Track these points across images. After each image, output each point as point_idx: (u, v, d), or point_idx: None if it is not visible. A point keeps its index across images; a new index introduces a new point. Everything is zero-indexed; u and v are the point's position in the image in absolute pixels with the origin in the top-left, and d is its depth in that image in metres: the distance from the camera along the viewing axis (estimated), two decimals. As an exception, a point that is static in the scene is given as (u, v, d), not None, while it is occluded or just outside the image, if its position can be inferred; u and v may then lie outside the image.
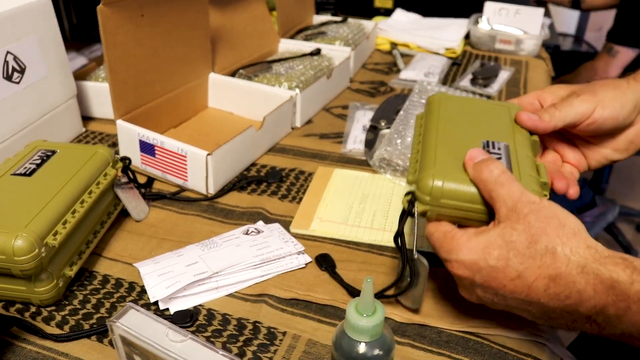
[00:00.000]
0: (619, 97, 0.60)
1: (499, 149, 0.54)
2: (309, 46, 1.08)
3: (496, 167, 0.48)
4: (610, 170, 2.20)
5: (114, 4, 0.72)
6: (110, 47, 0.73)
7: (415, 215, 0.52)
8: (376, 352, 0.42)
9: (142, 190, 0.74)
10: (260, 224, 0.67)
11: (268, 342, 0.53)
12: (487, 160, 0.50)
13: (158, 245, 0.66)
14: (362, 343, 0.41)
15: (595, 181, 2.22)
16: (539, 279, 0.44)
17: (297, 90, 0.90)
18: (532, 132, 0.59)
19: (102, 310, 0.57)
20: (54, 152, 0.65)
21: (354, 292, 0.58)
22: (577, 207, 2.06)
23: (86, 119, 0.93)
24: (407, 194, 0.53)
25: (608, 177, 2.21)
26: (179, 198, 0.74)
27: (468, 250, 0.47)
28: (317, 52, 1.03)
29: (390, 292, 0.56)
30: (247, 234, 0.64)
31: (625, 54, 1.66)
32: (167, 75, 0.85)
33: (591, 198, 2.06)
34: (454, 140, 0.55)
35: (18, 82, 0.75)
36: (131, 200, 0.70)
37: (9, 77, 0.74)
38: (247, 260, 0.59)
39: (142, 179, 0.78)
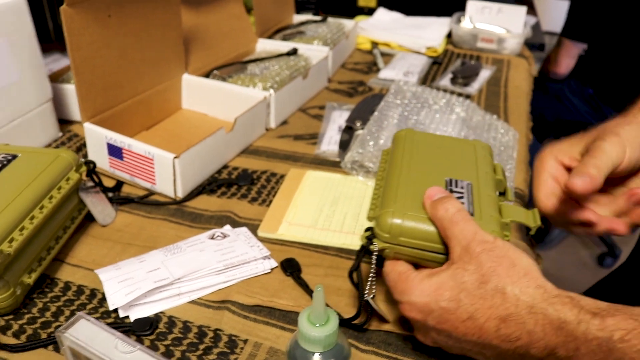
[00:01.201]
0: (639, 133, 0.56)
1: (462, 187, 0.54)
2: (286, 46, 1.06)
3: (452, 205, 0.48)
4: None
5: (79, 4, 0.70)
6: (75, 49, 0.71)
7: (373, 253, 0.52)
8: None
9: (109, 194, 0.73)
10: (227, 228, 0.66)
11: (228, 351, 0.51)
12: (444, 198, 0.49)
13: (123, 250, 0.64)
14: (315, 354, 0.40)
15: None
16: (489, 320, 0.43)
17: (272, 91, 0.88)
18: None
19: (62, 318, 0.55)
20: (15, 157, 0.63)
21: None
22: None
23: (66, 122, 0.91)
24: (367, 230, 0.52)
25: None
26: (147, 202, 0.73)
27: (420, 292, 0.46)
28: (293, 51, 1.02)
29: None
30: (212, 238, 0.63)
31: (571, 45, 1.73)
32: (137, 77, 0.83)
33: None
34: (417, 177, 0.55)
35: None
36: (97, 205, 0.69)
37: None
38: (210, 265, 0.58)
39: (111, 183, 0.76)
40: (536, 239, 2.37)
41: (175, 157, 0.70)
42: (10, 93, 0.77)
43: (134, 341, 0.41)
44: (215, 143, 0.76)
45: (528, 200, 0.79)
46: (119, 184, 0.76)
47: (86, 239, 0.66)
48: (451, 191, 0.53)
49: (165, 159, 0.70)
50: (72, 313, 0.56)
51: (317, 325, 0.39)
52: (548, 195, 0.57)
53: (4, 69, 0.76)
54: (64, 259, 0.63)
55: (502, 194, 0.59)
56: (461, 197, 0.52)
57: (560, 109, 1.90)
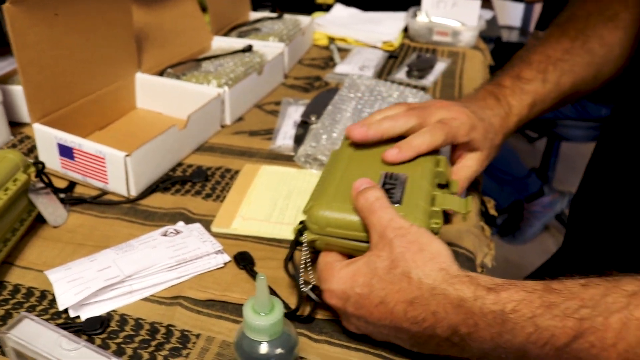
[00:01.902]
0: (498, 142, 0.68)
1: (396, 179, 0.55)
2: (242, 43, 1.06)
3: (372, 194, 0.50)
4: (557, 159, 2.26)
5: (23, 2, 0.69)
6: (20, 49, 0.70)
7: (304, 244, 0.54)
8: (278, 351, 0.41)
9: (61, 195, 0.72)
10: (180, 224, 0.66)
11: (180, 346, 0.51)
12: (367, 188, 0.51)
13: (74, 251, 0.64)
14: (262, 343, 0.40)
15: (542, 170, 2.26)
16: (398, 304, 0.45)
17: (226, 88, 0.88)
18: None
19: (10, 321, 0.54)
20: (-41, 159, 0.62)
21: (270, 291, 0.57)
22: (524, 196, 2.10)
23: (17, 124, 0.89)
24: (300, 222, 0.54)
25: (554, 166, 2.26)
26: (99, 202, 0.72)
27: (338, 279, 0.48)
28: (248, 48, 1.02)
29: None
30: (165, 235, 0.63)
31: None
32: (88, 77, 0.82)
33: (539, 187, 2.11)
34: (356, 172, 0.57)
35: None
36: (47, 206, 0.68)
37: None
38: (162, 262, 0.58)
39: (63, 184, 0.75)
40: (503, 232, 2.39)
41: (127, 156, 0.69)
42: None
43: (79, 338, 0.40)
44: (168, 140, 0.76)
45: (482, 189, 0.80)
46: (72, 184, 0.75)
47: (37, 240, 0.65)
48: (385, 184, 0.54)
49: (116, 158, 0.69)
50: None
51: (262, 314, 0.39)
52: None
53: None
54: (14, 261, 0.62)
55: (446, 185, 0.61)
56: (392, 188, 0.54)
57: None
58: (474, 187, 0.75)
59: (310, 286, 0.54)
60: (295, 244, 0.55)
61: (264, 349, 0.40)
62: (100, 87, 0.85)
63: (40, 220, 0.68)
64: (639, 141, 0.63)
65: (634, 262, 0.61)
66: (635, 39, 0.69)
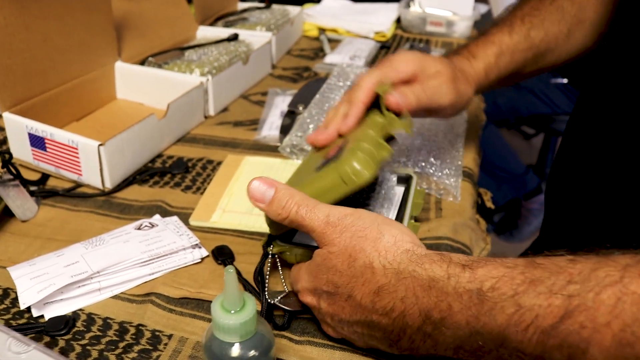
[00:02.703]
0: (469, 92, 0.65)
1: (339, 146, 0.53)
2: (228, 32, 1.02)
3: (284, 205, 0.46)
4: (553, 155, 2.22)
5: (-10, -17, 0.65)
6: (-13, 32, 0.66)
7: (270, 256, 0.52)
8: (252, 353, 0.37)
9: (32, 187, 0.68)
10: (156, 217, 0.62)
11: (151, 347, 0.47)
12: (272, 201, 0.46)
13: (43, 246, 0.59)
14: (234, 344, 0.36)
15: (539, 167, 2.23)
16: (365, 296, 0.42)
17: (209, 77, 0.84)
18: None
19: (-34, 321, 0.51)
20: None
21: (249, 288, 0.53)
22: (522, 194, 2.07)
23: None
24: (269, 235, 0.53)
25: (551, 162, 2.22)
26: (72, 194, 0.68)
27: (306, 278, 0.46)
28: (234, 37, 0.98)
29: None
30: (139, 229, 0.59)
31: None
32: (63, 64, 0.78)
33: (537, 184, 2.07)
34: (311, 169, 0.54)
35: None
36: (15, 199, 0.64)
37: None
38: (133, 257, 0.54)
39: (35, 176, 0.71)
40: (500, 230, 2.35)
41: (101, 145, 0.65)
42: None
43: (30, 340, 0.37)
44: (146, 130, 0.72)
45: (478, 181, 0.77)
46: (44, 177, 0.71)
47: (3, 235, 0.61)
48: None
49: (90, 147, 0.65)
50: (-18, 315, 0.51)
51: (232, 312, 0.35)
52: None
53: None
54: (-23, 258, 0.58)
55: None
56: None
57: (536, 103, 1.91)
58: (469, 178, 0.71)
59: (282, 296, 0.50)
60: (264, 256, 0.53)
61: (235, 351, 0.36)
62: (77, 76, 0.81)
63: (8, 214, 0.64)
64: (609, 119, 0.59)
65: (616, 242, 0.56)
66: (611, 11, 0.67)
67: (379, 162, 0.49)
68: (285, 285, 0.52)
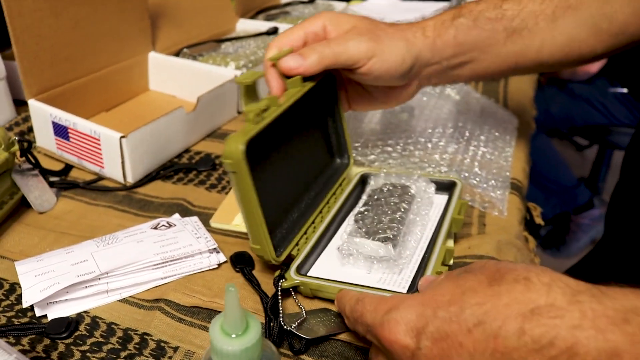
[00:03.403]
0: (402, 51, 0.54)
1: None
2: (268, 26, 0.98)
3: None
4: (608, 168, 2.10)
5: (20, -36, 0.63)
6: (14, 16, 0.64)
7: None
8: None
9: (52, 178, 0.65)
10: (175, 217, 0.58)
11: None
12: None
13: (56, 240, 0.57)
14: (236, 371, 0.32)
15: (592, 180, 2.11)
16: (508, 320, 0.31)
17: (244, 70, 0.80)
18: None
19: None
20: (-64, 133, 0.56)
21: (265, 301, 0.48)
22: (572, 208, 1.96)
23: (24, 103, 0.83)
24: (280, 268, 0.50)
25: (605, 176, 2.11)
26: (93, 187, 0.65)
27: (410, 303, 0.35)
28: (273, 31, 0.94)
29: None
30: (156, 228, 0.55)
31: None
32: (93, 52, 0.75)
33: (588, 199, 1.96)
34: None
35: None
36: (33, 189, 0.61)
37: None
38: (145, 258, 0.50)
39: (58, 166, 0.69)
40: (546, 244, 2.25)
41: (123, 137, 0.62)
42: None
43: (12, 348, 0.33)
44: (172, 123, 0.68)
45: (526, 193, 0.70)
46: (67, 167, 0.69)
47: (18, 226, 0.59)
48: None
49: (111, 139, 0.62)
50: (-16, 311, 0.48)
51: (233, 335, 0.31)
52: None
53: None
54: (-11, 249, 0.56)
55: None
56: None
57: (592, 113, 1.81)
58: (517, 190, 0.65)
59: (298, 321, 0.45)
60: (276, 293, 0.48)
61: (237, 379, 0.32)
62: (108, 65, 0.78)
63: (25, 204, 0.61)
64: None
65: None
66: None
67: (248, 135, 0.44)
68: (303, 308, 0.47)
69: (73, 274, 0.48)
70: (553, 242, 1.99)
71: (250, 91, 0.51)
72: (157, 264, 0.50)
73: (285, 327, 0.44)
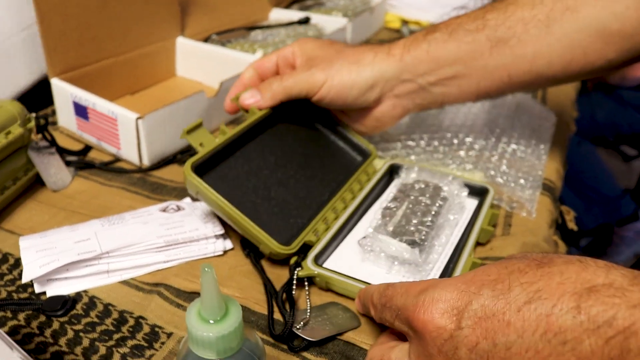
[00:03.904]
0: (352, 75, 0.54)
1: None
2: (301, 16, 0.96)
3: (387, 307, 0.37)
4: (659, 181, 2.00)
5: (47, -59, 0.62)
6: (40, -8, 0.63)
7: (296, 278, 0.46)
8: None
9: (70, 157, 0.65)
10: (185, 200, 0.57)
11: (146, 344, 0.42)
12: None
13: (66, 218, 0.56)
14: (212, 362, 0.29)
15: (638, 192, 2.02)
16: (562, 297, 0.28)
17: (271, 58, 0.78)
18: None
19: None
20: (-46, 105, 0.56)
21: (269, 289, 0.46)
22: (616, 220, 1.87)
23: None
24: (296, 254, 0.48)
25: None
26: (109, 168, 0.64)
27: (448, 282, 0.33)
28: (305, 20, 0.92)
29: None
30: (164, 211, 0.53)
31: None
32: (120, 34, 0.75)
33: (633, 210, 1.87)
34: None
35: None
36: (48, 167, 0.60)
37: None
38: (148, 240, 0.48)
39: (78, 146, 0.68)
40: (586, 256, 2.18)
41: (139, 118, 0.61)
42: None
43: (13, 342, 0.31)
44: (192, 107, 0.67)
45: (560, 195, 0.66)
46: (86, 148, 0.68)
47: (30, 203, 0.58)
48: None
49: (128, 120, 0.61)
50: (-12, 284, 0.48)
51: (211, 321, 0.28)
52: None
53: None
54: (0, 223, 0.55)
55: None
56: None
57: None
58: (548, 191, 0.61)
59: (304, 321, 0.43)
60: (291, 281, 0.46)
61: (214, 369, 0.29)
62: (135, 48, 0.78)
63: (41, 182, 0.61)
64: None
65: None
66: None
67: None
68: (309, 308, 0.44)
69: (74, 251, 0.47)
70: (593, 254, 1.91)
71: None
72: (160, 247, 0.49)
73: (293, 327, 0.42)
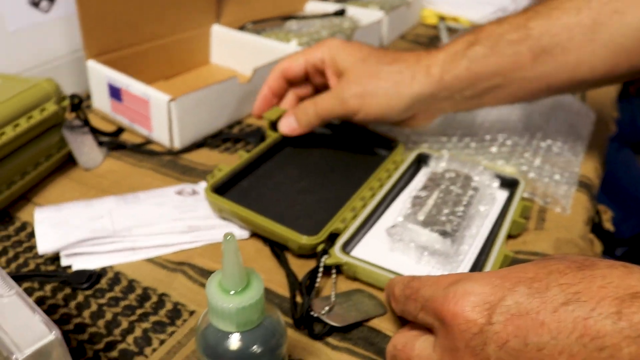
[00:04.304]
0: (390, 101, 0.53)
1: None
2: (337, 8, 0.95)
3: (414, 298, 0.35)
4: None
5: None
6: (79, -26, 0.64)
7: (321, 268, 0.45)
8: (254, 348, 0.29)
9: (103, 138, 0.65)
10: (201, 184, 0.57)
11: (167, 321, 0.42)
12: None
13: (95, 197, 0.56)
14: (231, 335, 0.29)
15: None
16: (602, 302, 0.27)
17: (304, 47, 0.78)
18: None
19: (3, 259, 0.48)
20: (-7, 81, 0.57)
21: (291, 277, 0.45)
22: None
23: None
24: (322, 242, 0.47)
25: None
26: (141, 150, 0.64)
27: (481, 275, 0.31)
28: (341, 12, 0.91)
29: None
30: (180, 194, 0.53)
31: None
32: (156, 19, 0.75)
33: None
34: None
35: (46, 11, 0.70)
36: (82, 146, 0.61)
37: (35, 4, 0.68)
38: (162, 221, 0.49)
39: (112, 128, 0.69)
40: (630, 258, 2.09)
41: (171, 100, 0.61)
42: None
43: (15, 283, 0.32)
44: (225, 92, 0.67)
45: (597, 194, 0.64)
46: (119, 130, 0.69)
47: (63, 180, 0.59)
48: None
49: (160, 102, 0.61)
50: (17, 255, 0.48)
51: (232, 292, 0.28)
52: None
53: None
54: (32, 197, 0.56)
55: None
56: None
57: None
58: (585, 188, 0.59)
59: (329, 307, 0.42)
60: (317, 268, 0.45)
61: (232, 343, 0.29)
62: (171, 34, 0.78)
63: (74, 160, 0.61)
64: None
65: None
66: None
67: None
68: (333, 294, 0.43)
69: (87, 228, 0.47)
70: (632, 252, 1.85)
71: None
72: (183, 232, 0.49)
73: (313, 314, 0.41)
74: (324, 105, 0.55)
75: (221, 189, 0.52)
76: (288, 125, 0.57)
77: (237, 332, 0.28)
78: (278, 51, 0.77)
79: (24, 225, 0.52)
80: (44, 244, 0.46)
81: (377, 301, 0.43)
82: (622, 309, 0.26)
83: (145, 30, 0.74)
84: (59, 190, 0.57)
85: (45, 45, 0.72)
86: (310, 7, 1.00)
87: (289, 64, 0.59)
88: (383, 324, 0.41)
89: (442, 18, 1.13)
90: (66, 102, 0.59)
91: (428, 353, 0.33)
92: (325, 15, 0.91)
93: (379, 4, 1.01)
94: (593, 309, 0.27)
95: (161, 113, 0.62)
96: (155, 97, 0.62)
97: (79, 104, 0.60)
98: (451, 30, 1.09)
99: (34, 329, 0.29)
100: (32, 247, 0.49)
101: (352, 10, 0.96)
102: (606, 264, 0.29)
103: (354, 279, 0.46)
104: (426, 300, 0.33)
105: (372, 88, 0.53)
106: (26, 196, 0.56)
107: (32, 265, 0.47)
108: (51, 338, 0.29)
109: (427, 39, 1.04)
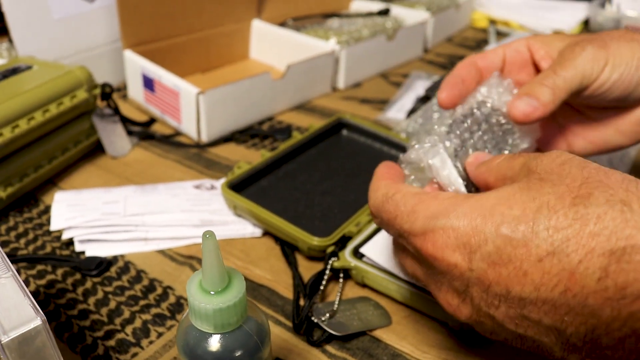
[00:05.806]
0: (636, 54, 0.39)
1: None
2: (381, 7, 0.94)
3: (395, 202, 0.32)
4: None
5: None
6: (120, -36, 0.65)
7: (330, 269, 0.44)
8: (237, 353, 0.28)
9: (134, 127, 0.66)
10: (221, 180, 0.56)
11: (168, 314, 0.41)
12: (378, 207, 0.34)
13: (119, 185, 0.57)
14: (210, 336, 0.28)
15: None
16: (590, 256, 0.24)
17: (343, 46, 0.77)
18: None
19: (22, 240, 0.49)
20: (29, 67, 0.58)
21: (298, 280, 0.44)
22: None
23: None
24: (334, 244, 0.45)
25: None
26: (168, 141, 0.65)
27: (465, 211, 0.28)
28: (385, 11, 0.89)
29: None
30: (197, 188, 0.53)
31: None
32: (195, 12, 0.76)
33: None
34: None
35: (91, 1, 0.72)
36: (110, 135, 0.62)
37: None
38: (172, 211, 0.49)
39: (144, 118, 0.70)
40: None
41: (200, 93, 0.61)
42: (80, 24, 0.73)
43: (12, 266, 0.32)
44: (256, 87, 0.66)
45: None
46: (151, 120, 0.69)
47: (90, 167, 0.60)
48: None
49: (189, 94, 0.61)
50: (36, 237, 0.49)
51: (212, 292, 0.27)
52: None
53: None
54: (58, 182, 0.57)
55: None
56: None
57: None
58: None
59: (330, 314, 0.40)
60: (323, 271, 0.43)
61: (211, 344, 0.28)
62: (210, 27, 0.78)
63: (102, 148, 0.62)
64: None
65: None
66: None
67: None
68: (338, 300, 0.42)
69: (99, 211, 0.48)
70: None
71: None
72: (196, 225, 0.48)
73: (314, 319, 0.40)
74: (566, 68, 0.40)
75: (238, 186, 0.52)
76: (527, 106, 0.39)
77: (216, 333, 0.28)
78: (317, 48, 0.76)
79: (47, 209, 0.53)
80: (57, 221, 0.47)
81: (382, 311, 0.41)
82: (610, 264, 0.23)
83: (184, 23, 0.75)
84: (84, 176, 0.58)
85: (87, 34, 0.74)
86: (356, 6, 0.98)
87: (484, 53, 0.46)
88: (385, 335, 0.40)
89: (492, 21, 1.09)
90: (97, 90, 0.59)
91: (414, 262, 0.33)
92: (369, 14, 0.89)
93: (426, 4, 0.98)
94: (580, 262, 0.24)
95: (190, 105, 0.62)
96: (185, 89, 0.62)
97: (110, 93, 0.61)
98: (500, 34, 1.05)
99: (20, 313, 0.29)
100: (52, 231, 0.50)
101: (397, 10, 0.93)
102: (605, 197, 0.25)
103: (363, 285, 0.44)
104: (403, 231, 0.31)
105: (612, 43, 0.40)
106: (53, 180, 0.57)
107: (48, 248, 0.48)
108: (36, 323, 0.29)
109: (474, 43, 1.01)
